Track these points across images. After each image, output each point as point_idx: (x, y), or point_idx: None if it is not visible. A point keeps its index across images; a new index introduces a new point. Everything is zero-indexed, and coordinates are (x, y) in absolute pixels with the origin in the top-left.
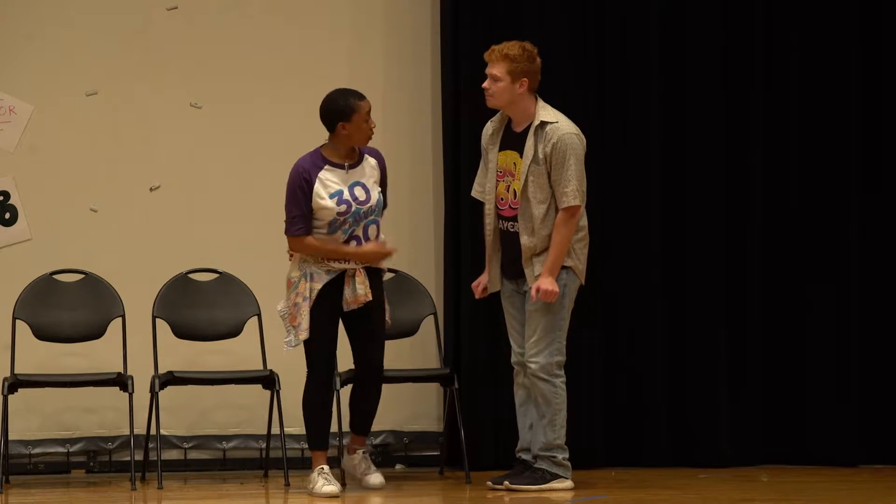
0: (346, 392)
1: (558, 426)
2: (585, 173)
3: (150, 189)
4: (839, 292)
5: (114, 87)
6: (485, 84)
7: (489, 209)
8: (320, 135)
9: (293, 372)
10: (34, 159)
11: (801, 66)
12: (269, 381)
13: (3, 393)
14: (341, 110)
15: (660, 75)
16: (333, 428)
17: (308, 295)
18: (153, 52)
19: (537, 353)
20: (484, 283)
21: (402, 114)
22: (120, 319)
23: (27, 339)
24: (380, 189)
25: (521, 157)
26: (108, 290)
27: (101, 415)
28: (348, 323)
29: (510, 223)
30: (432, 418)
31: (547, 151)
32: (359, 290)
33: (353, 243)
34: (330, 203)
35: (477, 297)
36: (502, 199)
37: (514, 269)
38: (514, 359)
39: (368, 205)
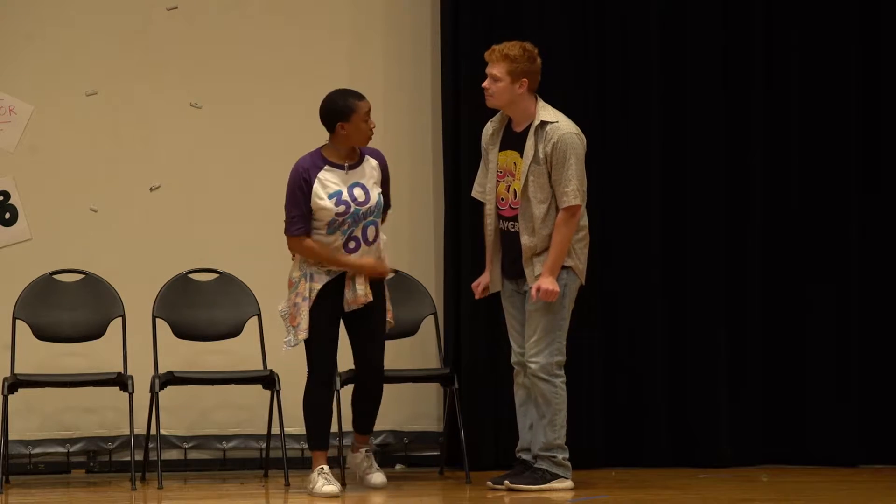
0: (346, 392)
1: (558, 426)
2: (586, 173)
3: (150, 189)
4: (839, 292)
5: (114, 87)
6: (485, 84)
7: (490, 209)
8: (320, 135)
9: (293, 372)
10: (34, 159)
11: (801, 66)
12: (269, 381)
13: (3, 393)
14: (340, 110)
15: (660, 75)
16: (334, 428)
17: (308, 295)
18: (153, 52)
19: (537, 353)
20: (484, 283)
21: (402, 114)
22: (120, 319)
23: (27, 339)
24: (380, 190)
25: (522, 156)
26: (108, 290)
27: (101, 415)
28: (349, 323)
29: (510, 223)
30: (432, 418)
31: (547, 151)
32: (359, 291)
33: (353, 244)
34: (329, 203)
35: (477, 297)
36: (502, 199)
37: (514, 268)
38: (514, 359)
39: (368, 205)
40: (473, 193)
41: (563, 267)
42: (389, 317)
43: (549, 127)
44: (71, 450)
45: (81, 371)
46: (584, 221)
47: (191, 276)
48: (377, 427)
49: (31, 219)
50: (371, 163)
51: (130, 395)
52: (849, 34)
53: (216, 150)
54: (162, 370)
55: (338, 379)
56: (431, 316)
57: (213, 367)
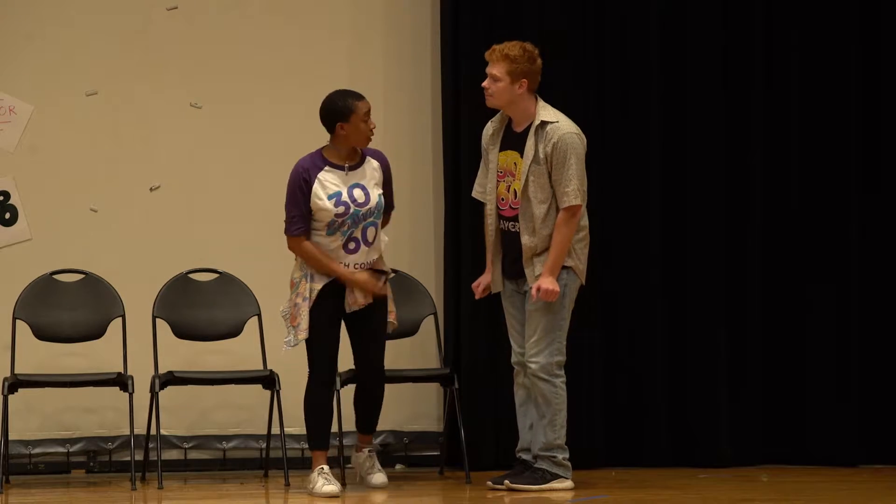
0: (346, 392)
1: (558, 426)
2: (586, 173)
3: (150, 189)
4: (839, 292)
5: (114, 87)
6: (484, 83)
7: (490, 209)
8: (320, 135)
9: (293, 372)
10: (34, 159)
11: (801, 66)
12: (269, 381)
13: (3, 393)
14: (339, 111)
15: (660, 75)
16: (334, 428)
17: (308, 295)
18: (153, 52)
19: (537, 353)
20: (484, 283)
21: (402, 114)
22: (120, 319)
23: (27, 339)
24: (381, 191)
25: (522, 157)
26: (108, 290)
27: (101, 415)
28: (350, 323)
29: (511, 223)
30: (432, 418)
31: (547, 151)
32: (357, 294)
33: (352, 245)
34: (328, 204)
35: (477, 297)
36: (503, 200)
37: (514, 268)
38: (514, 359)
39: (367, 207)
40: (474, 194)
41: (564, 267)
42: (392, 318)
43: (549, 127)
44: (71, 450)
45: (81, 371)
46: (585, 221)
47: (191, 276)
48: (377, 427)
49: (31, 219)
50: (372, 164)
51: (130, 395)
52: (849, 34)
53: (216, 150)
54: (162, 370)
55: (338, 379)
56: (431, 316)
57: (213, 367)
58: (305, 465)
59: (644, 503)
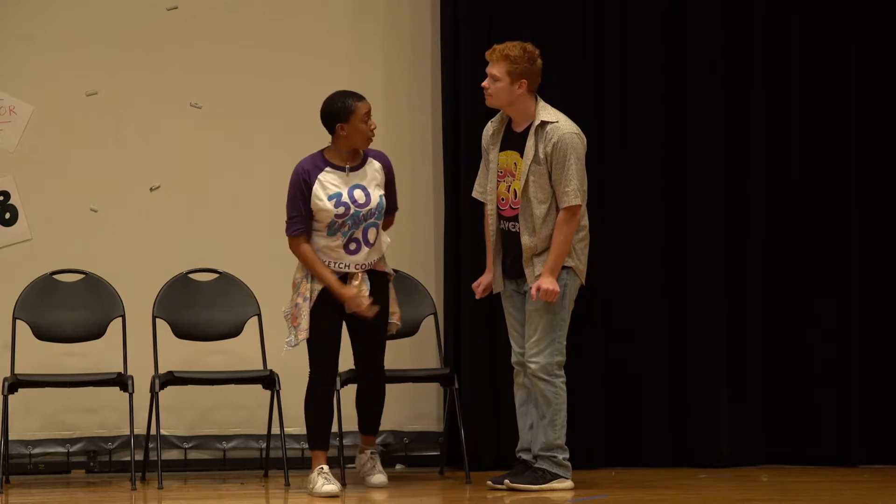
0: (346, 392)
1: (558, 426)
2: (586, 173)
3: (150, 189)
4: (839, 291)
5: (114, 87)
6: (484, 83)
7: (490, 210)
8: (321, 135)
9: (293, 372)
10: (34, 159)
11: (801, 66)
12: (269, 381)
13: (3, 393)
14: (339, 112)
15: (660, 75)
16: (334, 428)
17: (309, 296)
18: (153, 52)
19: (537, 353)
20: (484, 283)
21: (402, 114)
22: (120, 319)
23: (27, 339)
24: (382, 192)
25: (522, 157)
26: (108, 290)
27: (101, 415)
28: (351, 324)
29: (511, 223)
30: (432, 418)
31: (547, 151)
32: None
33: (353, 245)
34: (328, 205)
35: (478, 297)
36: (503, 200)
37: (514, 268)
38: (514, 359)
39: (368, 207)
40: (474, 194)
41: (564, 267)
42: (396, 318)
43: (549, 127)
44: (71, 450)
45: (81, 371)
46: (585, 221)
47: (191, 276)
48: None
49: (31, 219)
50: (374, 165)
51: (130, 395)
52: (849, 34)
53: (216, 150)
54: (162, 370)
55: (338, 379)
56: (431, 316)
57: (213, 367)
58: (305, 465)
59: (644, 503)
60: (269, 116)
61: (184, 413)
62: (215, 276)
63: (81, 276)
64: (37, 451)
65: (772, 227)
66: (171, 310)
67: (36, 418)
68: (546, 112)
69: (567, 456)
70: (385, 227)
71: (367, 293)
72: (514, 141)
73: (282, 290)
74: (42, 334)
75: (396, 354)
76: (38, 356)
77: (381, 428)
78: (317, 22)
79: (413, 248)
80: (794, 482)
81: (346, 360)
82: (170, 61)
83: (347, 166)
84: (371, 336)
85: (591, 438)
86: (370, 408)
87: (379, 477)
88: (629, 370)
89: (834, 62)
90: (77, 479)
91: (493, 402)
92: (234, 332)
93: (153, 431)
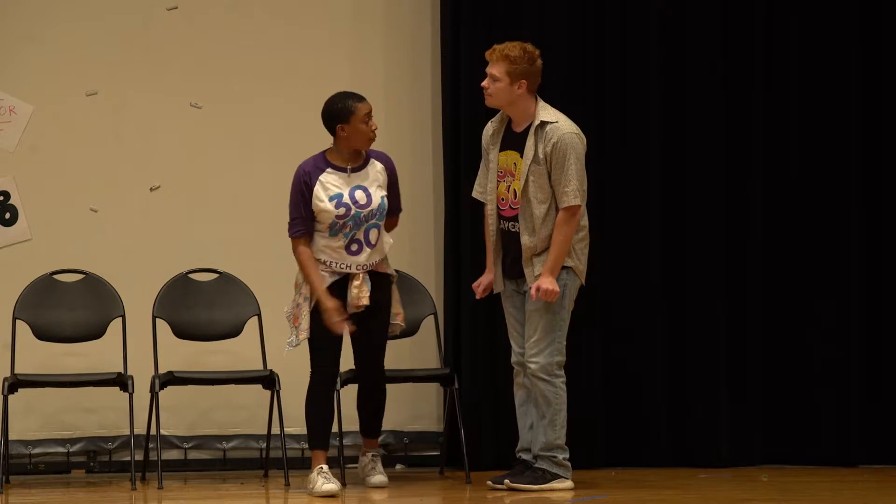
0: (346, 392)
1: (558, 426)
2: (586, 173)
3: (150, 189)
4: (839, 291)
5: (114, 87)
6: (483, 83)
7: (491, 210)
8: (321, 135)
9: (293, 372)
10: (34, 159)
11: (801, 66)
12: (269, 381)
13: (3, 393)
14: (339, 113)
15: (660, 75)
16: (334, 428)
17: (310, 296)
18: (153, 52)
19: (537, 353)
20: (485, 283)
21: (403, 114)
22: (120, 319)
23: (27, 339)
24: (383, 193)
25: (522, 157)
26: (108, 290)
27: (101, 415)
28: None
29: (511, 223)
30: (432, 418)
31: (547, 151)
32: (352, 294)
33: (355, 246)
34: (329, 206)
35: (478, 297)
36: (503, 200)
37: (514, 268)
38: (514, 359)
39: (369, 208)
40: (474, 194)
41: (564, 267)
42: (400, 319)
43: (549, 127)
44: (71, 450)
45: (81, 371)
46: (585, 221)
47: (191, 276)
48: None
49: (31, 219)
50: (376, 166)
51: (130, 395)
52: (849, 34)
53: (216, 150)
54: (162, 370)
55: (338, 379)
56: (431, 316)
57: (213, 367)
58: (305, 465)
59: (644, 503)
60: (269, 116)
61: (184, 413)
62: (215, 276)
63: (81, 276)
64: (37, 451)
65: (772, 227)
66: (171, 310)
67: (36, 418)
68: (546, 112)
69: (567, 456)
70: (389, 229)
71: (368, 294)
72: (513, 141)
73: (282, 290)
74: (42, 334)
75: (396, 354)
76: (38, 356)
77: (382, 428)
78: (317, 22)
79: (413, 248)
80: (794, 482)
81: (346, 360)
82: (170, 61)
83: (349, 167)
84: (372, 336)
85: (591, 438)
86: (372, 409)
87: (379, 477)
88: (629, 370)
89: (834, 62)
90: (77, 479)
91: (493, 402)
92: (234, 332)
93: (153, 431)
